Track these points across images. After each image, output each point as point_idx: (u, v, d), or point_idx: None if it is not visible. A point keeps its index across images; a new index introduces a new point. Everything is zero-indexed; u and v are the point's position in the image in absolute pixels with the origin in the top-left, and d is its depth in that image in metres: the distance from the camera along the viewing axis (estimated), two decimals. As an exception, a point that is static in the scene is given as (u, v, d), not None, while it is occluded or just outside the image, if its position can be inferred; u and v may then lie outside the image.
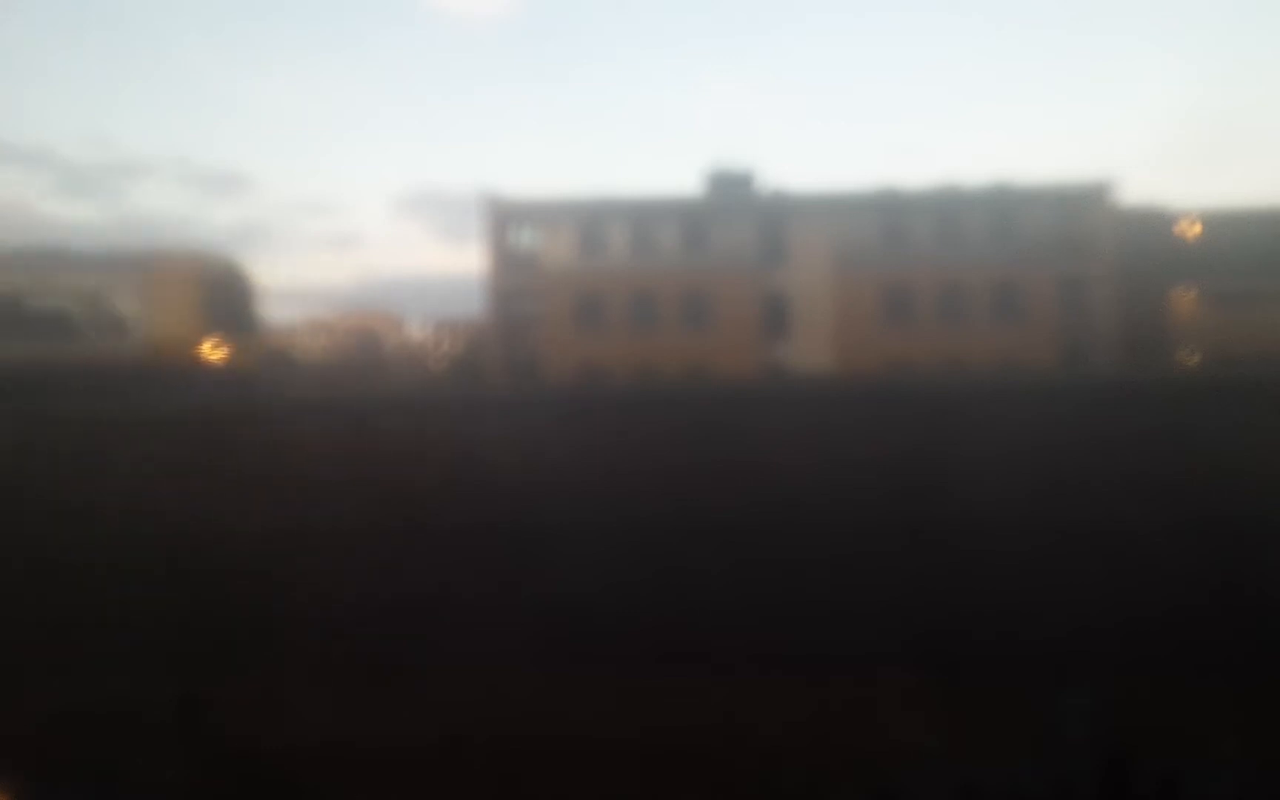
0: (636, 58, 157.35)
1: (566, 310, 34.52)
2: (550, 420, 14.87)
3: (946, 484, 13.35)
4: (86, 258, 22.13)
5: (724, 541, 13.32)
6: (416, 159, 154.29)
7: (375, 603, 13.24)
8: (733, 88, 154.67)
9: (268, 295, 36.72)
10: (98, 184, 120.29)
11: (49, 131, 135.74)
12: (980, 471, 13.29)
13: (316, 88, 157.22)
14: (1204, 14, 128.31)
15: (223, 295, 21.83)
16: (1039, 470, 13.31)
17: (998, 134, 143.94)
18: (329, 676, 12.10)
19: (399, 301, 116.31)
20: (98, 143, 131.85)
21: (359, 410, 15.54)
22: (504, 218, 35.83)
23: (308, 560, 13.57)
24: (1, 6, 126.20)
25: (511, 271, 35.53)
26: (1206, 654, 11.48)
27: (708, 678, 11.63)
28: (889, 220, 34.11)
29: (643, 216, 35.01)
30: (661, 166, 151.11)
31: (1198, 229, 34.43)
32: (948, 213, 34.01)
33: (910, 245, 33.88)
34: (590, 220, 35.16)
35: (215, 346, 21.03)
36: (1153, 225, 34.35)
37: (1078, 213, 33.69)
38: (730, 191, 36.17)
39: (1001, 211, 33.88)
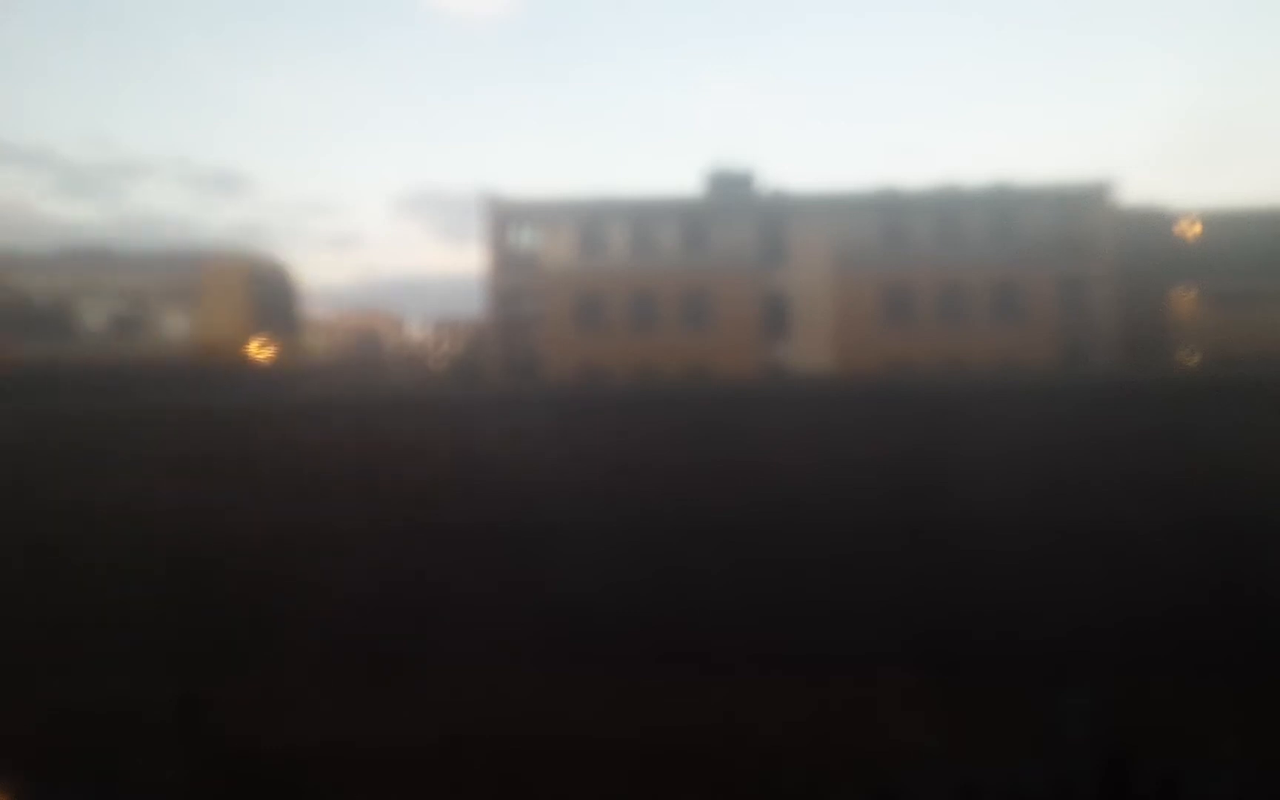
0: (636, 58, 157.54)
1: (566, 310, 34.55)
2: (550, 420, 14.88)
3: (946, 484, 13.35)
4: (133, 258, 22.05)
5: (724, 541, 13.32)
6: (416, 159, 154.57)
7: (375, 602, 13.25)
8: (733, 88, 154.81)
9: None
10: (98, 184, 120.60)
11: (49, 131, 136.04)
12: (980, 471, 13.30)
13: (316, 88, 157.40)
14: (1204, 14, 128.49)
15: (271, 296, 21.85)
16: (1039, 470, 13.32)
17: (998, 134, 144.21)
18: (329, 676, 12.10)
19: (399, 301, 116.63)
20: (98, 143, 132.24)
21: (359, 410, 15.55)
22: (504, 218, 35.85)
23: (308, 559, 13.58)
24: (1, 6, 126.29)
25: (511, 271, 35.55)
26: (1206, 654, 11.48)
27: (708, 678, 11.64)
28: (889, 220, 34.14)
29: (643, 216, 35.04)
30: (661, 166, 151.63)
31: (1198, 229, 34.47)
32: (948, 213, 34.03)
33: (910, 245, 33.91)
34: (590, 220, 35.19)
35: (262, 346, 21.05)
36: (1153, 225, 34.38)
37: (1078, 213, 33.72)
38: (730, 191, 36.20)
39: (1001, 211, 33.90)
